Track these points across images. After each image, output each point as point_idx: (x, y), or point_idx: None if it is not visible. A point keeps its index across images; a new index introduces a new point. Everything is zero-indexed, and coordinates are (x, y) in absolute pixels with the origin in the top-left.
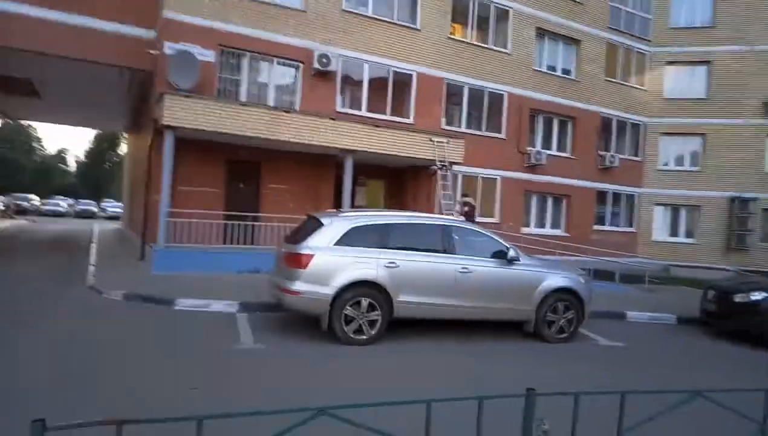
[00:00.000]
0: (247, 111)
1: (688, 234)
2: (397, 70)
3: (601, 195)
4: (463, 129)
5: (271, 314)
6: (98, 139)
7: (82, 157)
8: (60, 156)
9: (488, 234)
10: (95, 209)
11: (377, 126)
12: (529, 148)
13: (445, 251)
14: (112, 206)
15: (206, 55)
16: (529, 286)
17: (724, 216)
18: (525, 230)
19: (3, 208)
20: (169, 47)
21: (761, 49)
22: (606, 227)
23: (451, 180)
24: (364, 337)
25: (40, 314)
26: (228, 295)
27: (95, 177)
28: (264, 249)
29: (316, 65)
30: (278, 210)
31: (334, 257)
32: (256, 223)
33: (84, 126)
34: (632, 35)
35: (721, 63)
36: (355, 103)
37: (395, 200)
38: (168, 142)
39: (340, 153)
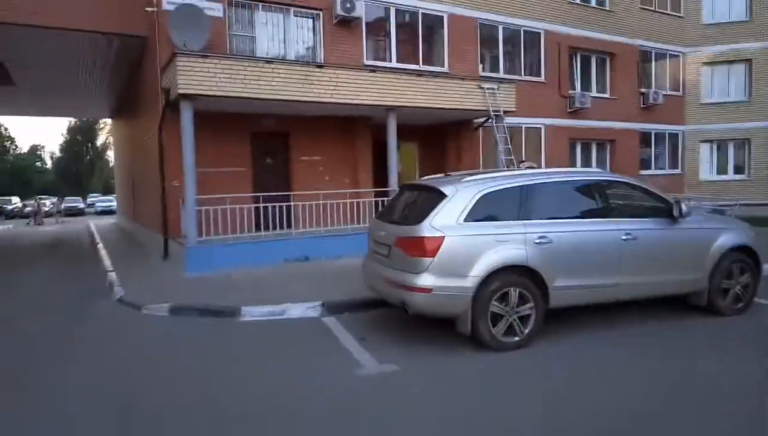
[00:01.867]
0: (275, 70)
1: (737, 170)
2: (427, 12)
3: (645, 136)
4: (501, 75)
5: (367, 313)
6: (72, 132)
7: (57, 153)
8: (35, 154)
9: (645, 186)
10: (82, 206)
11: (420, 75)
12: (571, 92)
13: (602, 215)
14: (101, 201)
15: (214, 9)
16: (702, 248)
17: None
18: None
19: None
20: (168, 2)
21: None
22: (652, 171)
23: (507, 133)
24: (517, 338)
25: (79, 342)
26: (297, 293)
27: (75, 172)
28: (304, 232)
29: (339, 11)
30: (313, 185)
31: (469, 238)
32: (290, 202)
33: (64, 115)
34: None
35: None
36: (383, 54)
37: (433, 164)
38: (186, 116)
39: (379, 111)
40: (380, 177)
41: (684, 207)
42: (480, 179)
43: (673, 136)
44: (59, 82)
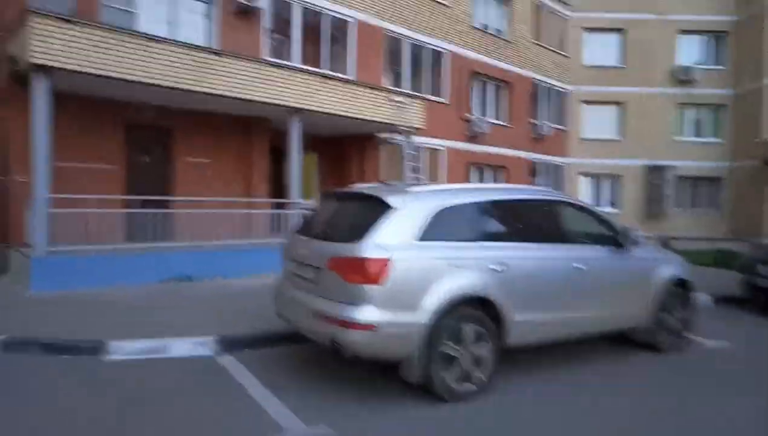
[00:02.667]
0: (161, 49)
1: (612, 204)
2: (334, 14)
3: (533, 166)
4: (406, 90)
5: (274, 350)
6: None
7: None
8: None
9: (594, 210)
10: None
11: (329, 79)
12: (471, 116)
13: (561, 240)
14: None
15: None
16: (647, 279)
17: (642, 184)
18: None
19: None
20: None
21: (670, 19)
22: None
23: (415, 151)
24: (474, 387)
25: None
26: (181, 323)
27: None
28: (187, 246)
29: None
30: (199, 191)
31: (423, 261)
32: (170, 209)
33: None
34: None
35: (634, 31)
36: (285, 53)
37: (333, 177)
38: (39, 93)
39: (281, 113)
40: (276, 188)
41: (631, 235)
42: (436, 191)
43: (558, 168)
44: None
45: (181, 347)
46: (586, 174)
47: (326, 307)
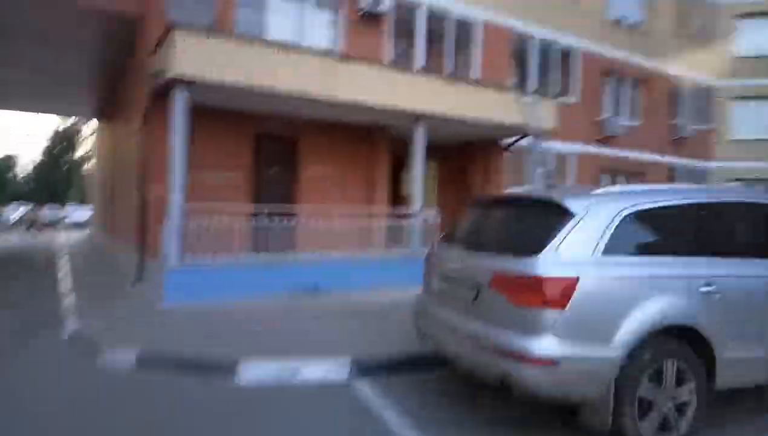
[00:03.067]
0: (292, 58)
1: None
2: (459, 16)
3: (672, 171)
4: (533, 90)
5: (418, 377)
6: (56, 138)
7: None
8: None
9: None
10: (63, 214)
11: (455, 81)
12: (603, 117)
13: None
14: (75, 211)
15: None
16: None
17: None
18: None
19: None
20: None
21: None
22: None
23: (547, 157)
24: None
25: None
26: (312, 341)
27: (52, 181)
28: (311, 258)
29: (364, 4)
30: (322, 200)
31: (615, 281)
32: (295, 219)
33: (45, 112)
34: None
35: None
36: (409, 58)
37: (454, 187)
38: (179, 106)
39: (405, 120)
40: (395, 198)
41: None
42: (623, 192)
43: (702, 173)
44: (34, 73)
45: (314, 371)
46: (738, 180)
47: (489, 334)
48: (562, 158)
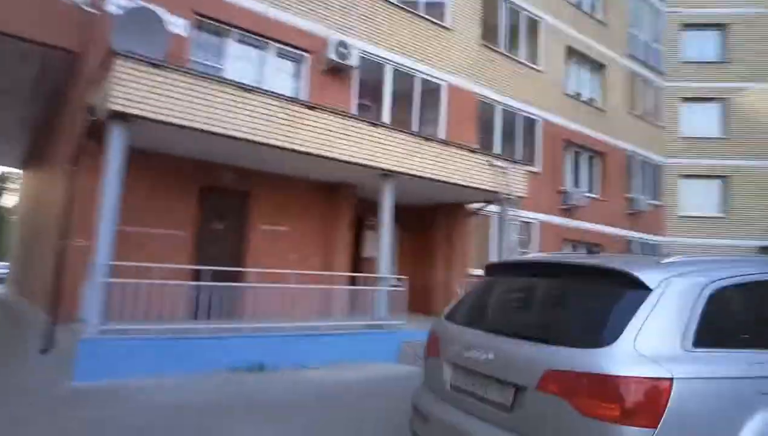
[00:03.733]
0: (252, 100)
1: None
2: (426, 77)
3: (629, 245)
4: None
5: None
6: None
7: None
8: None
9: None
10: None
11: (426, 139)
12: (565, 188)
13: None
14: None
15: (176, 24)
16: None
17: None
18: None
19: None
20: (114, 3)
21: None
22: None
23: (517, 221)
24: None
25: None
26: None
27: None
28: (260, 327)
29: (332, 56)
30: (273, 264)
31: (713, 383)
32: (242, 282)
33: None
34: (648, 66)
35: (737, 99)
36: (375, 114)
37: (415, 251)
38: (116, 145)
39: (371, 177)
40: (354, 261)
41: None
42: (698, 261)
43: (654, 247)
44: None
45: None
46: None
47: None
48: (526, 226)
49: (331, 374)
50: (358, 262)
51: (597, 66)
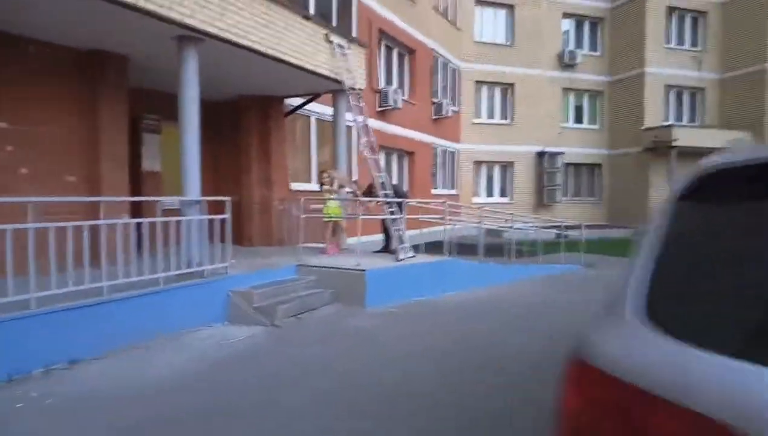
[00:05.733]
0: None
1: (503, 193)
2: None
3: (434, 152)
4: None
5: None
6: None
7: None
8: None
9: None
10: None
11: None
12: (383, 87)
13: None
14: None
15: None
16: None
17: (534, 172)
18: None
19: None
20: None
21: (556, 0)
22: (439, 190)
23: (366, 119)
24: None
25: None
26: None
27: None
28: None
29: None
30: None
31: None
32: None
33: None
34: None
35: (523, 8)
36: None
37: (217, 161)
38: None
39: (162, 42)
40: (134, 178)
41: None
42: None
43: (452, 154)
44: None
45: None
46: (478, 162)
47: None
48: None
49: (121, 368)
50: (142, 178)
51: None
